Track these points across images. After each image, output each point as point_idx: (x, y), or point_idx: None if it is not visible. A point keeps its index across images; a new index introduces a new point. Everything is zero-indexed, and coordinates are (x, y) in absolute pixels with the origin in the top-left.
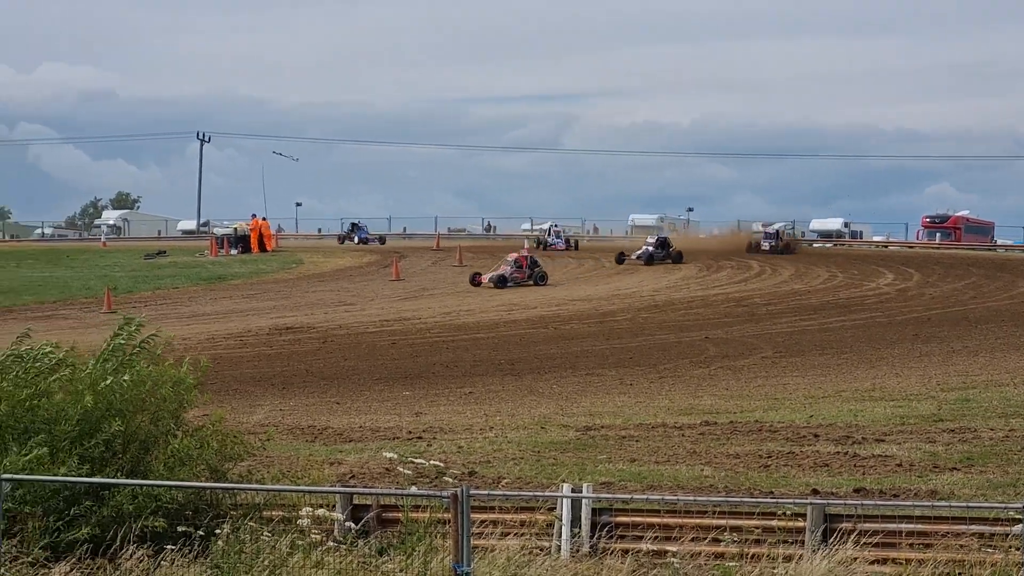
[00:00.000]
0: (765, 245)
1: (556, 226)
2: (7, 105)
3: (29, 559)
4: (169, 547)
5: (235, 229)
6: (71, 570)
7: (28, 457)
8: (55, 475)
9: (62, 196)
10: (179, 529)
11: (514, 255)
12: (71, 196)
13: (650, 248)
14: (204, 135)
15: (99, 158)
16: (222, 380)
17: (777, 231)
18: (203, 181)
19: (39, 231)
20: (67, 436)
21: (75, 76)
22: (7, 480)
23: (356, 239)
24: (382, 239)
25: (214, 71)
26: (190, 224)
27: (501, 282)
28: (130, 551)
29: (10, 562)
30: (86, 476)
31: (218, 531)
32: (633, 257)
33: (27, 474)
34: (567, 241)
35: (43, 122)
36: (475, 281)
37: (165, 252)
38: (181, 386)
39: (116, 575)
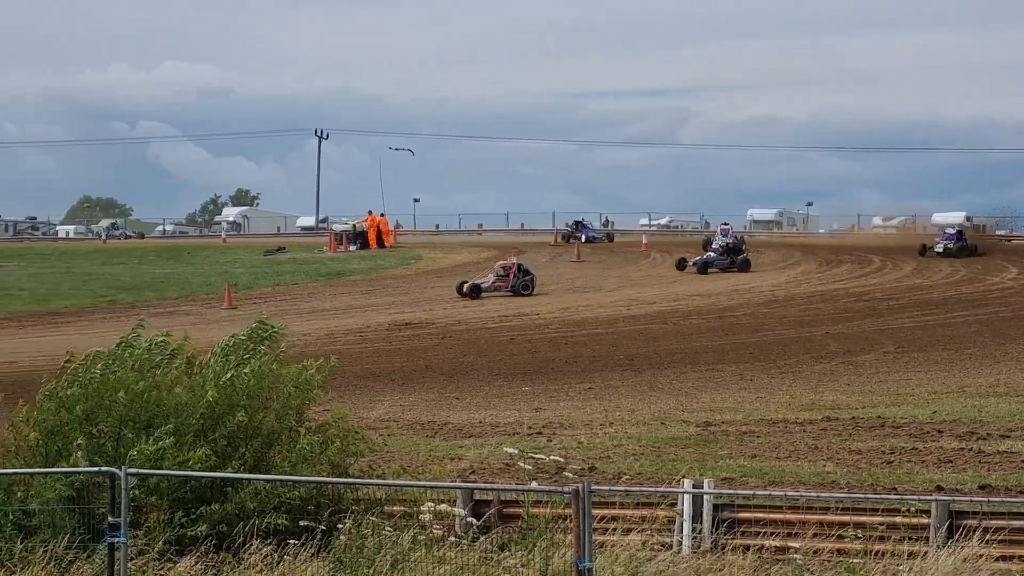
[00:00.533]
0: (939, 247)
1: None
2: (128, 103)
3: (154, 553)
4: (292, 542)
5: (353, 225)
6: (196, 564)
7: (154, 448)
8: (180, 466)
9: (182, 193)
10: (301, 524)
11: (503, 262)
12: (191, 193)
13: (712, 255)
14: (322, 132)
15: (219, 155)
16: (342, 376)
17: (959, 230)
18: (321, 178)
19: (160, 228)
20: (191, 429)
21: (195, 74)
22: (132, 474)
23: (583, 237)
24: (610, 236)
25: (332, 68)
26: (309, 220)
27: (475, 291)
28: (253, 546)
29: (136, 555)
30: (211, 470)
31: (340, 526)
32: (690, 264)
33: (152, 465)
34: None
35: (163, 120)
36: (460, 289)
37: (284, 248)
38: (305, 384)
39: (240, 569)
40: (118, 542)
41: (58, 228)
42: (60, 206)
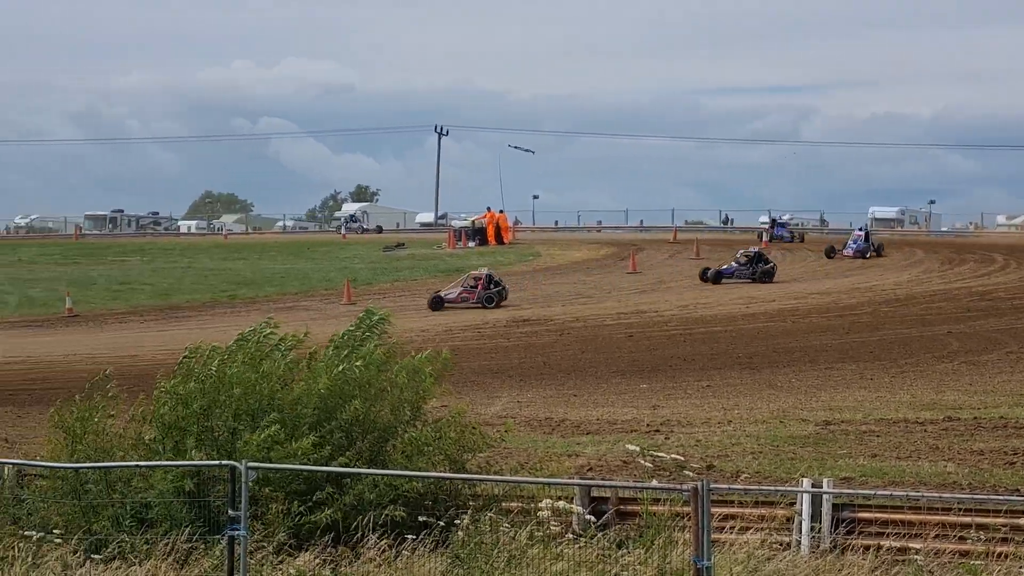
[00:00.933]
0: None
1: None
2: (250, 100)
3: (272, 546)
4: (410, 537)
5: (472, 222)
6: (315, 559)
7: (263, 436)
8: (293, 455)
9: (302, 189)
10: (420, 519)
11: (474, 273)
12: (311, 189)
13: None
14: (442, 128)
15: (339, 152)
16: (460, 372)
17: None
18: (441, 174)
19: (280, 224)
20: (305, 420)
21: (316, 71)
22: (252, 467)
23: (769, 236)
24: (800, 236)
25: (452, 64)
26: (428, 217)
27: (436, 303)
28: (371, 540)
29: (254, 549)
30: (326, 460)
31: (457, 522)
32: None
33: (264, 454)
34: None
35: (284, 116)
36: (434, 302)
37: (404, 244)
38: (417, 375)
39: (358, 564)
40: (238, 535)
41: (180, 223)
42: (182, 202)
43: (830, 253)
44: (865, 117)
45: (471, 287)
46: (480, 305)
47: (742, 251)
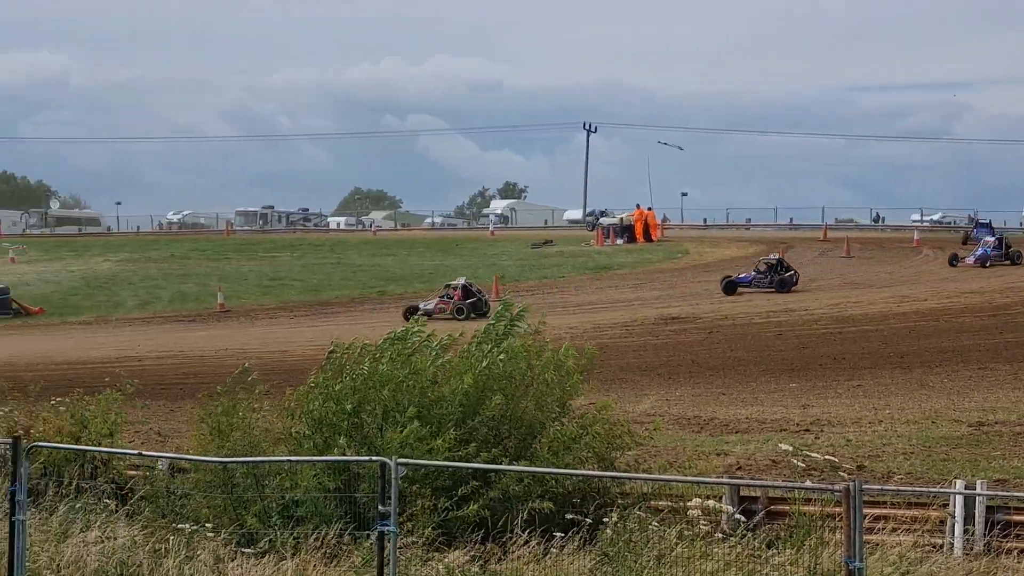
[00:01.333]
0: None
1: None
2: (398, 96)
3: (421, 542)
4: (558, 535)
5: (620, 219)
6: (464, 555)
7: (405, 433)
8: (435, 452)
9: (451, 186)
10: (568, 517)
11: (452, 282)
12: (459, 185)
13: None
14: (590, 125)
15: (487, 148)
16: (608, 369)
17: None
18: (589, 171)
19: (429, 220)
20: (450, 418)
21: (464, 67)
22: (402, 464)
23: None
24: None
25: (601, 61)
26: (576, 214)
27: (412, 312)
28: (520, 538)
29: (403, 546)
30: (470, 457)
31: (605, 520)
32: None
33: (409, 451)
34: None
35: (433, 113)
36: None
37: (552, 241)
38: (562, 370)
39: (507, 561)
40: (388, 531)
41: (329, 220)
42: (332, 198)
43: (953, 261)
44: (1019, 114)
45: (447, 297)
46: (452, 317)
47: (763, 259)
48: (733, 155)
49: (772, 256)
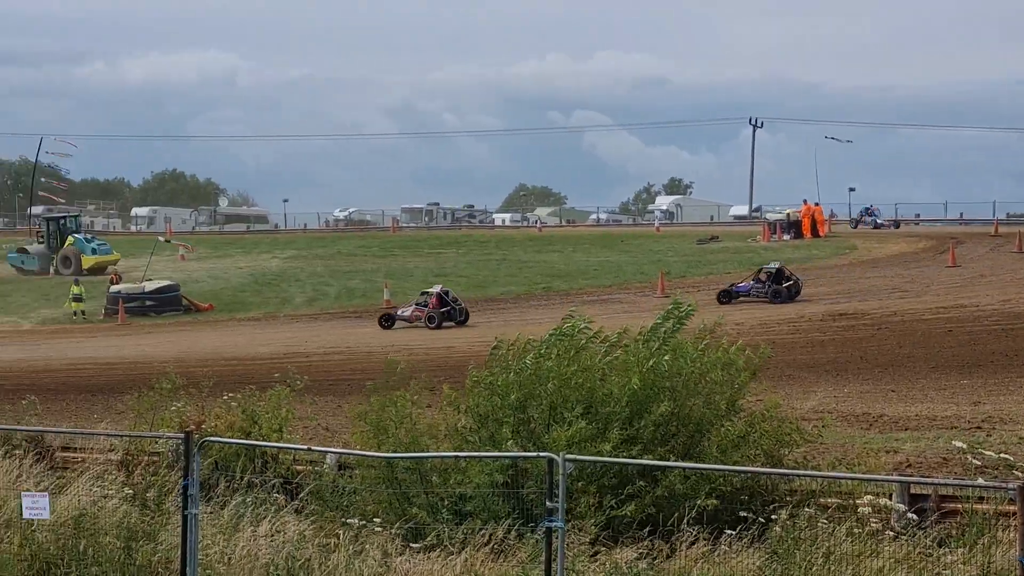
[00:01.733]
0: None
1: None
2: (564, 93)
3: (588, 539)
4: (728, 532)
5: (787, 215)
6: (631, 552)
7: (571, 431)
8: (601, 452)
9: (615, 182)
10: (740, 514)
11: (428, 290)
12: (624, 181)
13: None
14: (756, 120)
15: (652, 144)
16: (775, 366)
17: None
18: (755, 166)
19: (593, 216)
20: (617, 417)
21: (629, 63)
22: (570, 460)
23: None
24: None
25: (766, 55)
26: (742, 209)
27: (387, 321)
28: (687, 535)
29: (569, 543)
30: (637, 456)
31: (773, 517)
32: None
33: (576, 449)
34: None
35: (598, 109)
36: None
37: (718, 237)
38: (731, 369)
39: (674, 558)
40: (555, 527)
41: (494, 216)
42: (496, 195)
43: None
44: None
45: (423, 305)
46: (424, 325)
47: (763, 267)
48: (901, 149)
49: (772, 264)
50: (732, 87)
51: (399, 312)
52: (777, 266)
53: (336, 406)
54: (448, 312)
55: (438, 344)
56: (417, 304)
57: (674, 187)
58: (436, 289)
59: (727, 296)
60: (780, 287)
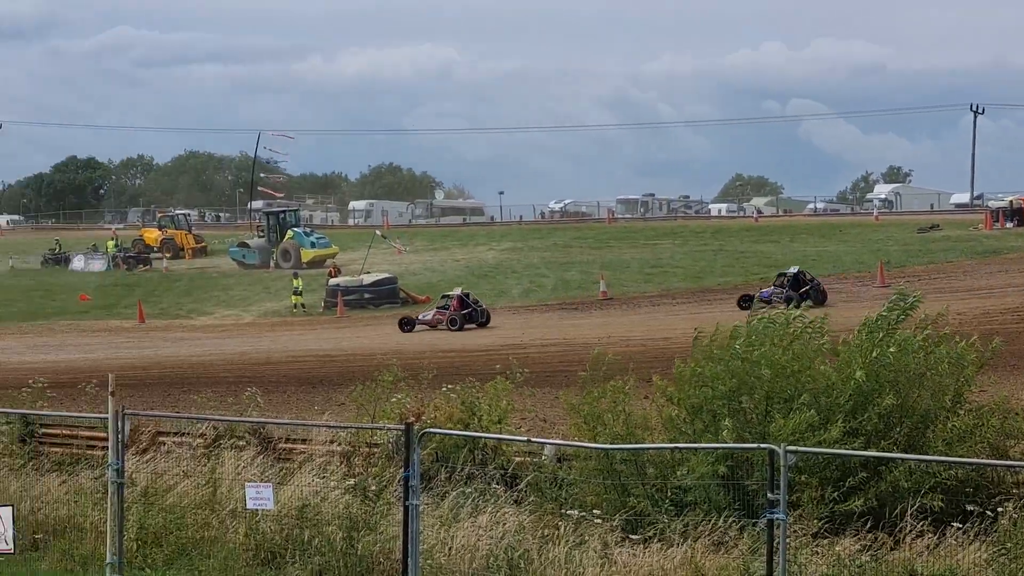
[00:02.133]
0: None
1: None
2: (780, 81)
3: (812, 531)
4: (955, 525)
5: (1010, 202)
6: (854, 544)
7: (796, 421)
8: (824, 443)
9: (832, 170)
10: (967, 508)
11: (449, 292)
12: (841, 170)
13: None
14: (978, 107)
15: (869, 132)
16: (998, 356)
17: None
18: (976, 153)
19: (811, 205)
20: (840, 409)
21: (846, 51)
22: (791, 451)
23: None
24: None
25: (987, 40)
26: (963, 197)
27: (407, 324)
28: (910, 527)
29: (790, 534)
30: (859, 449)
31: (1000, 510)
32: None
33: (796, 440)
34: None
35: (814, 97)
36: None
37: (939, 226)
38: (959, 363)
39: (898, 550)
40: (777, 519)
41: (710, 206)
42: (712, 185)
43: None
44: None
45: (444, 308)
46: (446, 328)
47: (782, 271)
48: None
49: (792, 269)
50: (951, 73)
51: (420, 316)
52: (795, 270)
53: (553, 397)
54: (469, 314)
55: (655, 335)
56: (439, 307)
57: (893, 175)
58: (457, 292)
59: (747, 301)
60: (802, 291)
